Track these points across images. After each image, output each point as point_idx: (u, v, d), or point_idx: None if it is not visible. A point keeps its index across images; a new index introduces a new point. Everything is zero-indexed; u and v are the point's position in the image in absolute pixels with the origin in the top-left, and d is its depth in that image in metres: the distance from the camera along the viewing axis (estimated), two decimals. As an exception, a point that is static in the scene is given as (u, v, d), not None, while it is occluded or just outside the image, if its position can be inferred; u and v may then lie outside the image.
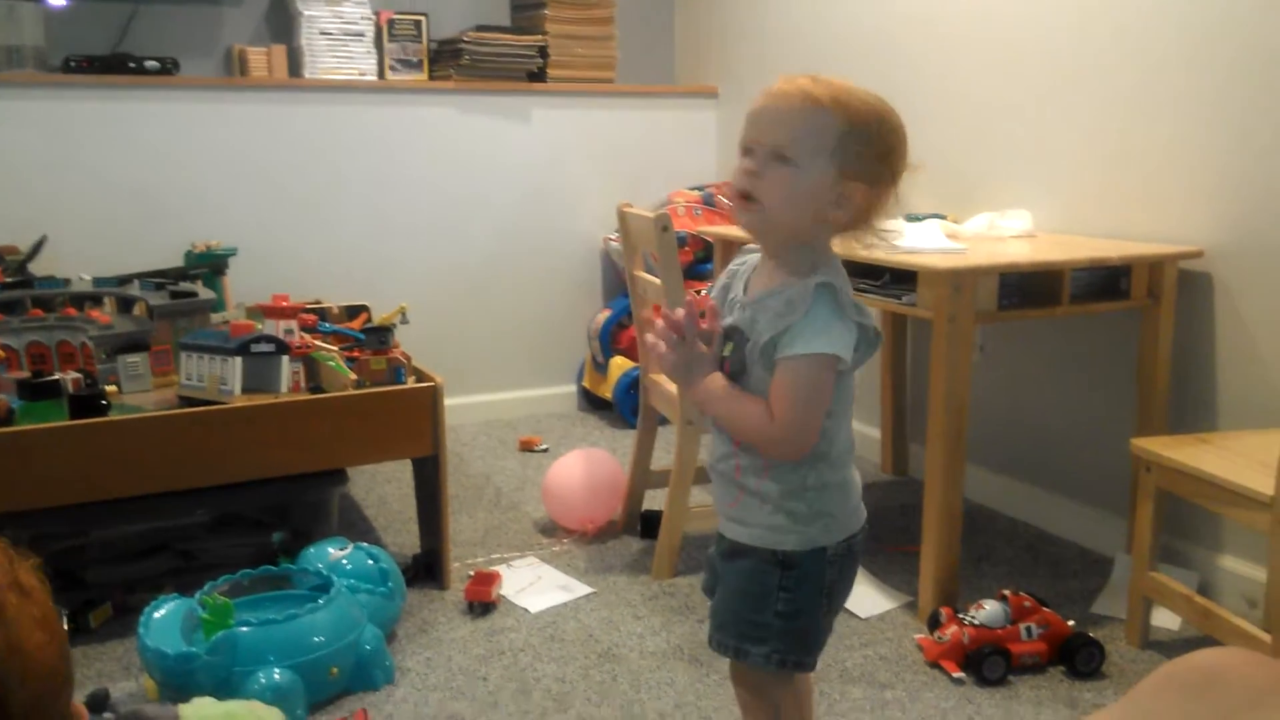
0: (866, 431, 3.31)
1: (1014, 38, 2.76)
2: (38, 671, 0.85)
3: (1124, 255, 2.28)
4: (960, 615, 2.12)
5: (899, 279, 2.26)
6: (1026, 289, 2.25)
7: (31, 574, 0.89)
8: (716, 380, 1.34)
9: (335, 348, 2.47)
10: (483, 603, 2.34)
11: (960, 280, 2.13)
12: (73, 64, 3.20)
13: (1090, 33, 2.55)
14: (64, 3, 3.26)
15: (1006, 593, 2.14)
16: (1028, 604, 2.11)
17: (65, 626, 1.00)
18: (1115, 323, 2.50)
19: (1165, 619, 2.23)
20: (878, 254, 2.06)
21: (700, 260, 3.64)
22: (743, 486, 1.36)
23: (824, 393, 1.28)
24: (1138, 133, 2.46)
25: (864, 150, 1.27)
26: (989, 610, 2.09)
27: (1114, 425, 2.50)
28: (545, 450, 3.48)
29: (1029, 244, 2.49)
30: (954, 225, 2.58)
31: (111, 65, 3.22)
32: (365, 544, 2.25)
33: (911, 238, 2.34)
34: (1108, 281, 2.32)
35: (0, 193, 3.10)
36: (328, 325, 2.73)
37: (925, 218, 2.62)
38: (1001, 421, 2.88)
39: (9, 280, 2.69)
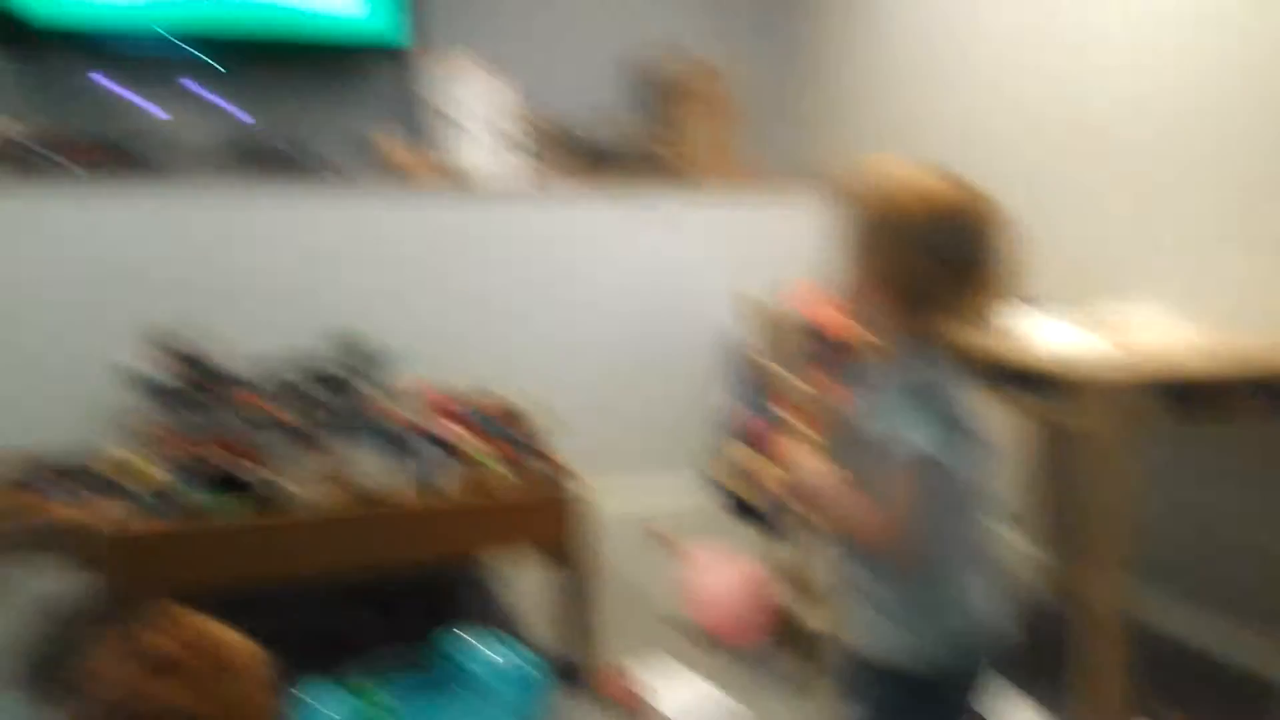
0: (1027, 550, 3.20)
1: (1158, 116, 2.69)
2: None
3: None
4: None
5: (1043, 382, 2.19)
6: (1193, 396, 2.11)
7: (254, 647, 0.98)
8: (828, 472, 1.37)
9: (489, 446, 2.55)
10: (626, 706, 2.34)
11: (1118, 389, 2.05)
12: (244, 165, 3.45)
13: (1240, 109, 2.46)
14: (239, 112, 3.53)
15: (1176, 725, 2.03)
16: (1200, 740, 2.00)
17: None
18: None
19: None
20: (1016, 353, 2.01)
21: (834, 352, 3.62)
22: (854, 594, 1.37)
23: (923, 493, 1.27)
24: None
25: (901, 230, 1.30)
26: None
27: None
28: (695, 556, 3.47)
29: (1194, 348, 2.35)
30: (1100, 319, 2.47)
31: (275, 167, 3.47)
32: (511, 640, 2.29)
33: (1062, 341, 2.26)
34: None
35: (173, 285, 3.32)
36: (487, 424, 2.83)
37: (1066, 310, 2.52)
38: (1172, 539, 2.74)
39: (187, 374, 2.84)
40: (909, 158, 1.38)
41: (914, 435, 1.27)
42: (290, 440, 2.57)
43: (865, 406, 1.35)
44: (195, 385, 2.75)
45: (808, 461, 1.40)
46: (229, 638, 1.03)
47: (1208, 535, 2.65)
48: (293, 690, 2.04)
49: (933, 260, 1.29)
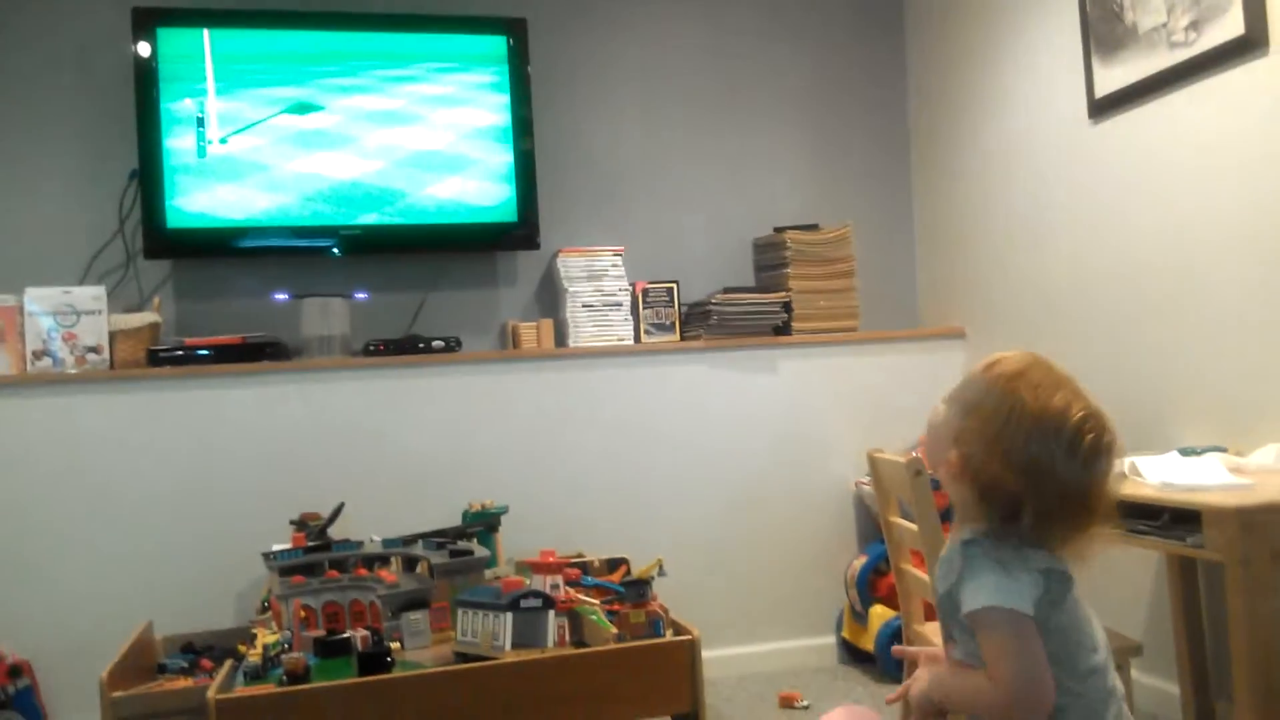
0: (1163, 687, 3.00)
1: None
2: None
3: None
4: None
5: (1180, 519, 2.12)
6: None
7: None
8: (941, 667, 1.36)
9: (597, 601, 2.55)
10: None
11: (1251, 518, 1.97)
12: (371, 347, 3.63)
13: None
14: (366, 296, 3.74)
15: None
16: None
17: None
18: None
19: None
20: (1149, 491, 1.96)
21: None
22: None
23: (1027, 644, 1.23)
24: None
25: (974, 419, 1.30)
26: None
27: None
28: (807, 707, 3.35)
29: None
30: (1237, 459, 2.41)
31: (404, 347, 3.63)
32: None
33: (1188, 474, 2.21)
34: None
35: (308, 465, 3.47)
36: (590, 579, 2.83)
37: (1203, 451, 2.47)
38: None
39: (310, 544, 2.97)
40: (1052, 365, 1.34)
41: (985, 591, 1.25)
42: (402, 604, 2.61)
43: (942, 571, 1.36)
44: (319, 558, 2.84)
45: (924, 674, 1.40)
46: None
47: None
48: None
49: (1015, 474, 1.26)
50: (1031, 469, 1.25)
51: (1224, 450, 2.49)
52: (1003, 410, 1.28)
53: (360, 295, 3.74)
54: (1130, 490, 2.19)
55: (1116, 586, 3.14)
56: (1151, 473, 2.25)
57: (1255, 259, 2.70)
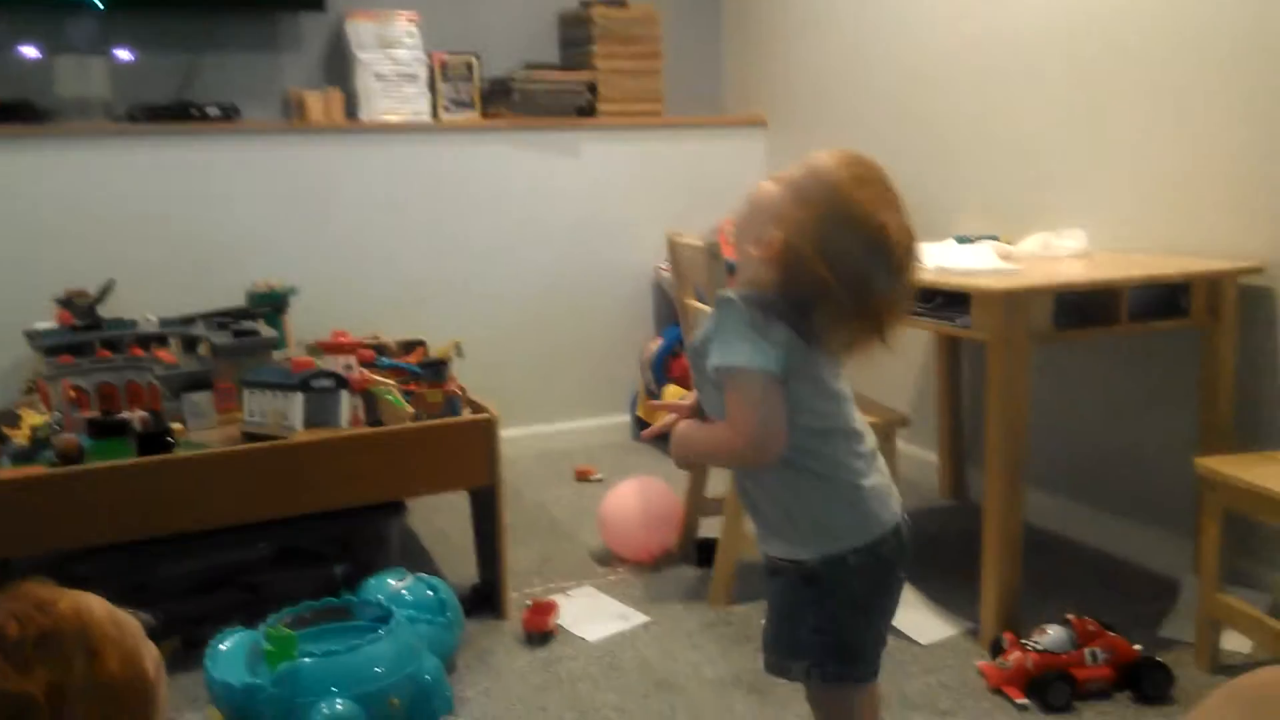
0: (924, 456, 3.28)
1: (1066, 54, 2.74)
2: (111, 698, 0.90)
3: (1182, 272, 2.25)
4: (1023, 641, 2.09)
5: (952, 301, 2.25)
6: (1083, 309, 2.22)
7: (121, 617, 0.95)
8: (682, 424, 1.45)
9: (393, 382, 2.51)
10: (541, 632, 2.35)
11: (1015, 301, 2.11)
12: (137, 113, 3.31)
13: (1143, 48, 2.53)
14: (130, 56, 3.38)
15: (1071, 617, 2.10)
16: (1092, 628, 2.07)
17: (156, 660, 1.05)
18: (1176, 341, 2.45)
19: (1236, 642, 2.17)
20: (927, 276, 2.06)
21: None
22: (757, 506, 1.44)
23: (770, 399, 1.32)
24: (1194, 147, 2.43)
25: (808, 213, 1.31)
26: (1053, 635, 2.06)
27: (1178, 445, 2.46)
28: (601, 480, 3.49)
29: (1085, 263, 2.46)
30: (1007, 246, 2.56)
31: (174, 113, 3.33)
32: (424, 575, 2.27)
33: (963, 259, 2.33)
34: (1166, 299, 2.28)
35: (69, 238, 3.20)
36: (385, 360, 2.78)
37: (977, 239, 2.61)
38: (1062, 444, 2.84)
39: (78, 323, 2.78)
40: (889, 180, 1.35)
41: (732, 348, 1.32)
42: (182, 385, 2.50)
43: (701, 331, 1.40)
44: (89, 337, 2.66)
45: (676, 428, 1.47)
46: (73, 607, 0.94)
47: (1096, 438, 2.74)
48: (211, 639, 2.02)
49: (831, 275, 1.28)
50: (850, 276, 1.28)
51: (996, 239, 2.64)
52: (839, 215, 1.29)
53: (123, 54, 3.37)
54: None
55: (890, 364, 3.35)
56: (929, 258, 2.36)
57: (1041, 65, 2.80)
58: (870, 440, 1.44)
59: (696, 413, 1.47)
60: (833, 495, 1.38)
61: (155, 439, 2.21)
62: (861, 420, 1.44)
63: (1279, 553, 2.31)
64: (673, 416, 1.50)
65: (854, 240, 1.28)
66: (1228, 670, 2.09)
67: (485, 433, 2.40)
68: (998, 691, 2.05)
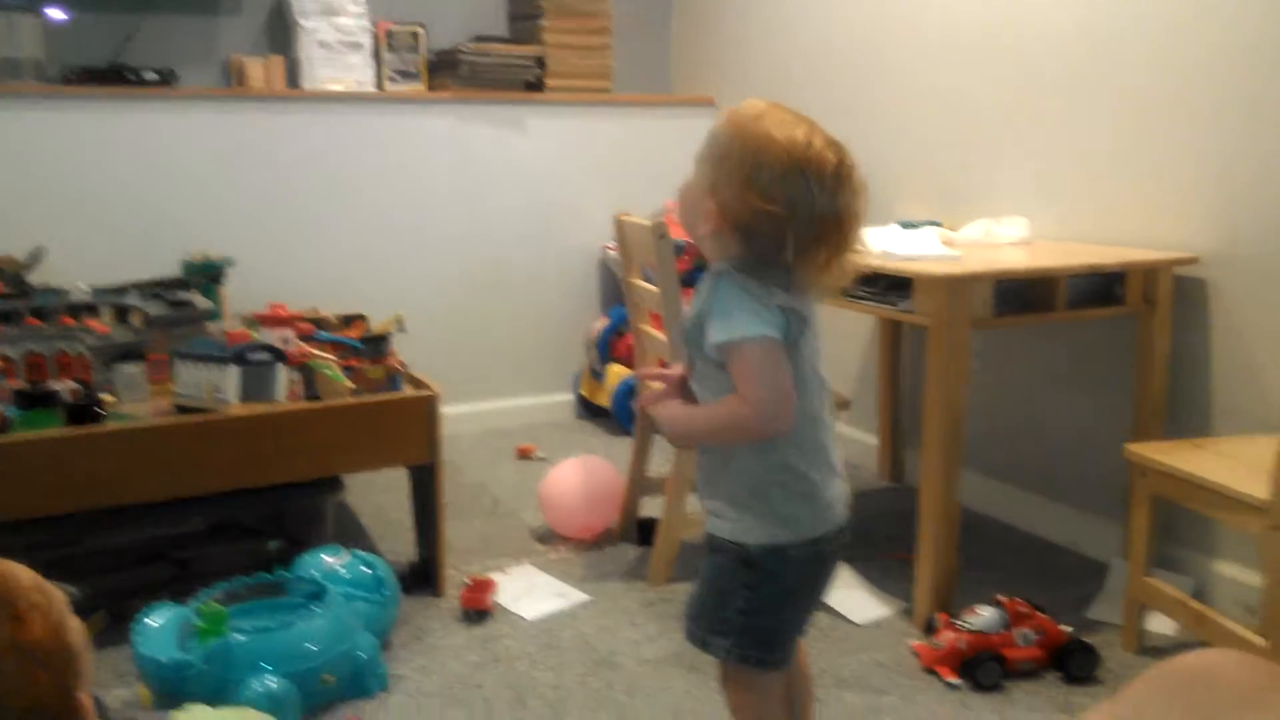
0: (863, 439, 3.31)
1: (1010, 44, 2.77)
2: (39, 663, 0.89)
3: (1119, 261, 2.28)
4: (956, 621, 2.12)
5: (894, 286, 2.27)
6: (1022, 295, 2.25)
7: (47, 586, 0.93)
8: (677, 407, 1.42)
9: (332, 356, 2.47)
10: (478, 610, 2.34)
11: (956, 286, 2.13)
12: (71, 76, 3.21)
13: (1086, 39, 2.56)
14: (64, 16, 3.27)
15: (1002, 598, 2.13)
16: (1023, 610, 2.11)
17: (79, 631, 1.04)
18: (1111, 329, 2.50)
19: (1161, 624, 2.22)
20: (872, 261, 2.08)
21: (698, 269, 3.63)
22: (712, 483, 1.43)
23: (778, 365, 1.31)
24: (1133, 139, 2.47)
25: (726, 167, 1.31)
26: (985, 616, 2.09)
27: (1110, 431, 2.51)
28: (543, 458, 3.48)
29: (1025, 251, 2.49)
30: (949, 233, 2.59)
31: (110, 77, 3.24)
32: (361, 551, 2.25)
33: (906, 245, 2.35)
34: (1103, 288, 2.32)
35: (-1, 203, 3.11)
36: (325, 334, 2.73)
37: (921, 225, 2.64)
38: (998, 428, 2.88)
39: (7, 291, 2.69)
40: (787, 105, 1.37)
41: (737, 318, 1.30)
42: (114, 355, 2.44)
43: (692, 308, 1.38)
44: (17, 305, 2.58)
45: (669, 411, 1.43)
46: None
47: (1031, 423, 2.78)
48: (140, 613, 1.98)
49: (776, 207, 1.28)
50: (787, 202, 1.28)
51: (939, 225, 2.67)
52: (750, 151, 1.30)
53: (55, 13, 3.26)
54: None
55: (832, 346, 3.36)
56: (874, 243, 2.37)
57: (986, 54, 2.83)
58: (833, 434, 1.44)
59: (683, 388, 1.45)
60: (794, 487, 1.38)
61: (84, 410, 2.15)
62: (831, 415, 1.44)
63: (1205, 538, 2.37)
64: (665, 387, 1.48)
65: (777, 164, 1.28)
66: (1153, 652, 2.15)
67: (426, 409, 2.38)
68: (930, 671, 2.08)
